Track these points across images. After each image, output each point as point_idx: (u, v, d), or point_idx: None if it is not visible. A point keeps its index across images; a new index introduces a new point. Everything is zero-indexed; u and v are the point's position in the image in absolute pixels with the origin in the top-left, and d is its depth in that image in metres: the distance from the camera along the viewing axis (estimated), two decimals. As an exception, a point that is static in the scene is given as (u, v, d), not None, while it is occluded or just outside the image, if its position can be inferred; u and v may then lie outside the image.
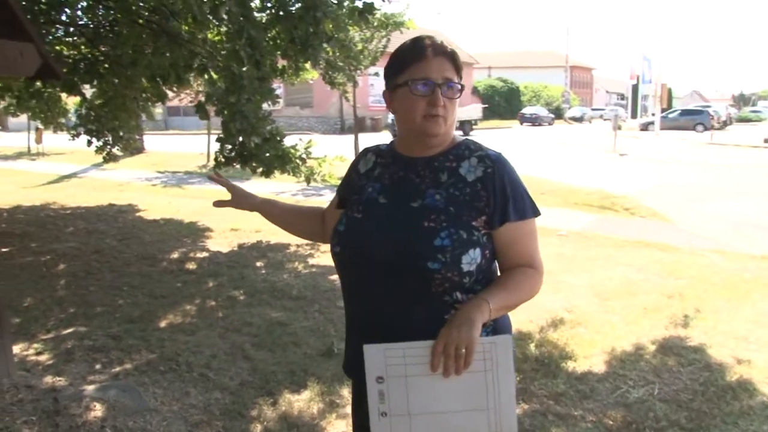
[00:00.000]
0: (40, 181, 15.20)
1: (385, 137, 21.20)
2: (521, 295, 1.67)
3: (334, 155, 7.84)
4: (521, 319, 5.01)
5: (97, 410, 3.55)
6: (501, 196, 1.63)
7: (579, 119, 51.61)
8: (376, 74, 15.24)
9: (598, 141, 25.91)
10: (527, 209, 1.67)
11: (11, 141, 25.89)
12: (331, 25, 5.62)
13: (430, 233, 1.58)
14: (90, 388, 3.82)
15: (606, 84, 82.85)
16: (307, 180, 7.72)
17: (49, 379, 3.97)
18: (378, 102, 31.45)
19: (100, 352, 4.45)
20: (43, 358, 4.39)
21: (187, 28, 6.40)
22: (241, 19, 5.53)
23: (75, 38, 8.97)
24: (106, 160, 10.53)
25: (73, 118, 10.75)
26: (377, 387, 1.54)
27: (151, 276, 6.54)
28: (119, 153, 10.81)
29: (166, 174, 16.36)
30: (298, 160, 7.43)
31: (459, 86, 1.68)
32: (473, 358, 1.48)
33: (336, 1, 6.32)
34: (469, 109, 35.09)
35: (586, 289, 5.92)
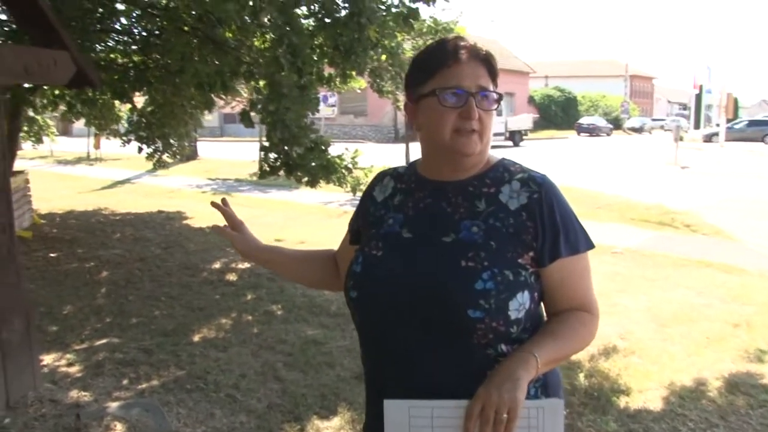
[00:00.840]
0: (95, 186, 15.48)
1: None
2: (574, 346, 1.43)
3: (381, 165, 7.63)
4: (570, 344, 4.70)
5: (117, 430, 3.42)
6: (551, 228, 1.38)
7: (638, 130, 50.27)
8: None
9: (658, 153, 25.07)
10: (580, 241, 1.42)
11: (73, 146, 26.62)
12: (375, 32, 5.42)
13: (469, 275, 1.31)
14: (113, 405, 3.70)
15: (667, 93, 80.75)
16: (353, 190, 7.55)
17: (74, 394, 3.87)
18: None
19: (129, 366, 4.34)
20: (72, 369, 4.31)
21: (231, 35, 6.30)
22: (283, 25, 5.39)
23: (127, 47, 9.06)
24: (155, 167, 10.63)
25: (125, 125, 10.86)
26: None
27: (191, 286, 6.45)
28: (169, 160, 10.90)
29: (216, 181, 16.47)
30: (343, 170, 7.26)
31: (495, 96, 1.42)
32: (516, 425, 1.21)
33: (384, 7, 6.14)
34: (519, 118, 34.46)
35: (643, 313, 5.54)
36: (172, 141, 10.50)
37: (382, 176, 1.60)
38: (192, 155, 21.74)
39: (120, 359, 4.46)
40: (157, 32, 7.89)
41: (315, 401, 3.84)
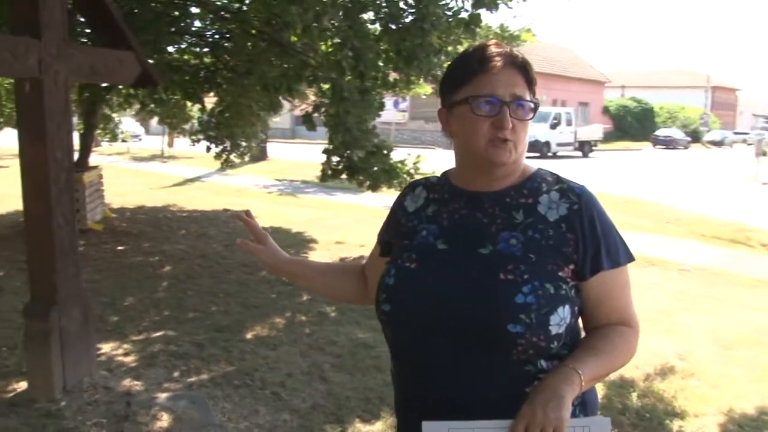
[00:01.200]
0: (166, 183, 15.96)
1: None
2: (615, 362, 1.39)
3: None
4: (625, 361, 4.55)
5: (164, 420, 3.50)
6: (592, 240, 1.34)
7: (718, 143, 48.33)
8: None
9: (739, 167, 24.05)
10: (620, 254, 1.38)
11: (149, 144, 27.58)
12: (438, 38, 5.40)
13: (509, 288, 1.27)
14: (162, 396, 3.80)
15: (752, 106, 77.32)
16: (416, 195, 7.53)
17: (127, 382, 3.99)
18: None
19: (181, 359, 4.44)
20: (128, 359, 4.44)
21: (297, 39, 6.40)
22: (347, 29, 5.43)
23: (199, 48, 9.33)
24: (223, 166, 10.88)
25: (196, 125, 11.16)
26: None
27: (248, 284, 6.56)
28: (236, 159, 11.14)
29: (283, 182, 16.72)
30: (405, 175, 7.26)
31: (532, 105, 1.37)
32: None
33: (450, 12, 6.11)
34: (590, 129, 33.62)
35: (706, 333, 5.31)
36: (240, 141, 10.73)
37: (413, 186, 1.56)
38: (262, 156, 22.16)
39: (173, 352, 4.58)
40: (226, 35, 8.10)
41: (359, 404, 3.84)
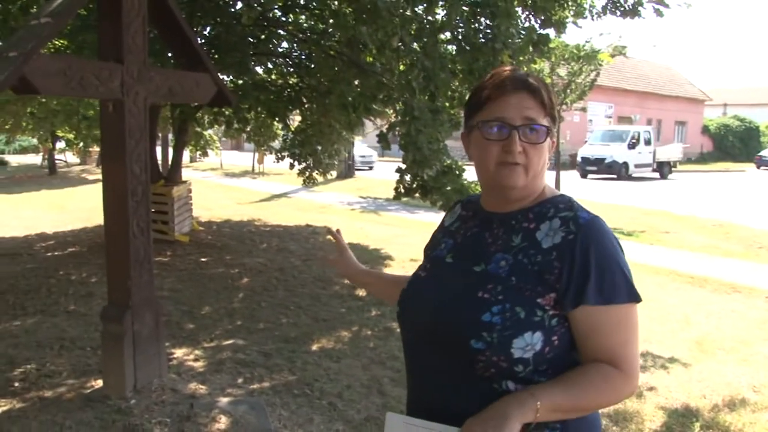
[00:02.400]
0: (254, 198, 16.54)
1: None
2: (589, 399, 1.32)
3: None
4: (693, 390, 4.40)
5: (222, 423, 3.67)
6: (580, 272, 1.31)
7: (830, 165, 45.35)
8: (584, 109, 14.62)
9: None
10: (618, 292, 1.32)
11: (242, 160, 28.64)
12: (509, 57, 5.44)
13: (479, 305, 1.33)
14: (224, 400, 3.98)
15: None
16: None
17: (192, 386, 4.20)
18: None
19: (246, 367, 4.63)
20: (197, 364, 4.67)
21: (371, 59, 6.58)
22: (418, 50, 5.55)
23: (285, 68, 9.71)
24: (305, 183, 11.20)
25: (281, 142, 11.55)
26: None
27: (320, 298, 6.73)
28: (319, 177, 11.44)
29: (367, 199, 16.98)
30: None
31: (544, 129, 1.39)
32: None
33: (524, 32, 6.13)
34: (669, 148, 31.65)
35: (785, 365, 5.05)
36: (322, 159, 11.04)
37: (456, 203, 1.66)
38: (348, 173, 22.62)
39: (240, 359, 4.78)
40: (309, 56, 8.40)
41: (411, 419, 3.88)
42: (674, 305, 6.61)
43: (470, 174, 7.07)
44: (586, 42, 10.36)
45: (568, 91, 12.55)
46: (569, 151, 30.54)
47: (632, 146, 26.15)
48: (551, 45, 6.47)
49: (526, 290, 1.33)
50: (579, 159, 25.46)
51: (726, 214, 13.76)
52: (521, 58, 5.76)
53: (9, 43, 3.68)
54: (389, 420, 1.37)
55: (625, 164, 25.70)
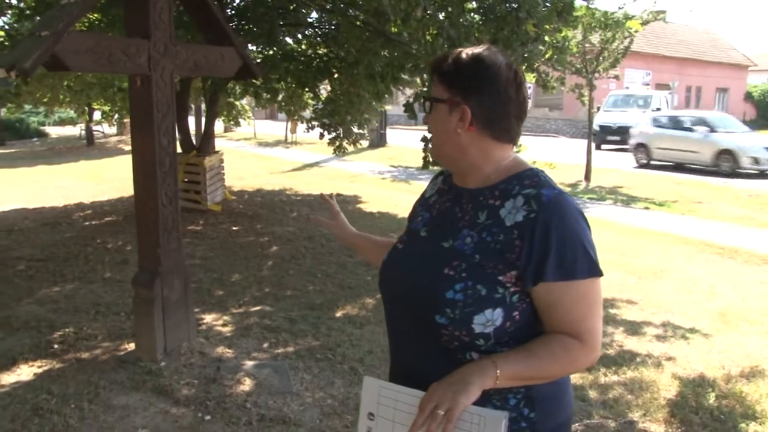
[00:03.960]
0: (286, 167, 16.72)
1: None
2: (547, 368, 1.38)
3: (564, 162, 7.57)
4: (712, 361, 4.44)
5: (246, 385, 3.84)
6: (539, 249, 1.34)
7: None
8: (616, 77, 14.33)
9: None
10: (578, 267, 1.35)
11: (275, 130, 28.82)
12: (533, 26, 5.42)
13: (444, 283, 1.38)
14: (249, 363, 4.15)
15: None
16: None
17: (220, 350, 4.38)
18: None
19: (272, 332, 4.80)
20: (225, 329, 4.85)
21: (396, 29, 6.60)
22: (443, 19, 5.57)
23: (314, 39, 9.76)
24: (335, 152, 11.30)
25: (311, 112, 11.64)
26: (367, 423, 1.45)
27: (346, 266, 6.87)
28: (348, 146, 11.52)
29: (398, 168, 17.02)
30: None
31: (430, 102, 1.51)
32: (455, 426, 1.28)
33: (549, 1, 6.08)
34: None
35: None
36: (352, 128, 11.11)
37: (438, 174, 1.70)
38: (380, 142, 22.64)
39: (266, 325, 4.95)
40: (337, 26, 8.44)
41: (429, 384, 4.01)
42: (701, 276, 6.58)
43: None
44: (619, 8, 10.18)
45: (601, 58, 12.34)
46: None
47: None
48: (577, 13, 6.38)
49: (488, 267, 1.37)
50: (597, 128, 20.92)
51: (764, 185, 13.52)
52: (546, 27, 5.72)
53: (41, 22, 3.83)
54: (366, 383, 1.47)
55: None
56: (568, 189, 12.58)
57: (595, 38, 12.20)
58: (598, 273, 1.38)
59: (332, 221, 2.00)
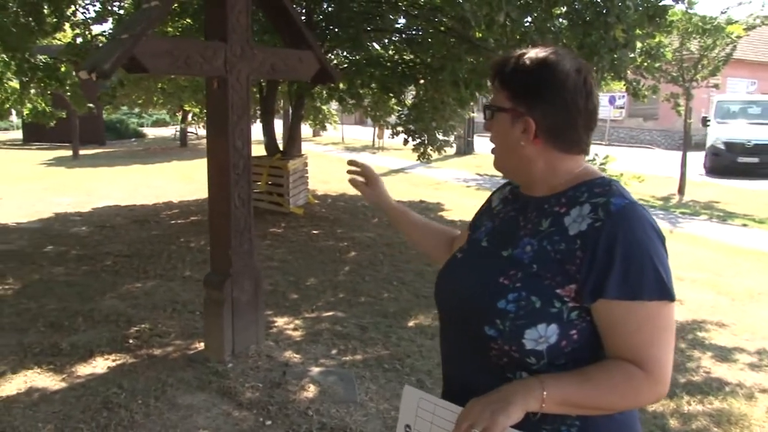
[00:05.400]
0: (371, 173, 16.75)
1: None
2: (605, 397, 1.23)
3: (652, 173, 7.24)
4: None
5: (310, 392, 3.79)
6: (602, 262, 1.22)
7: None
8: (716, 86, 13.59)
9: None
10: (645, 287, 1.21)
11: (363, 135, 29.07)
12: (622, 31, 5.15)
13: (497, 292, 1.29)
14: (316, 370, 4.11)
15: None
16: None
17: (288, 354, 4.37)
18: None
19: (342, 339, 4.75)
20: (295, 333, 4.85)
21: (480, 35, 6.47)
22: (526, 24, 5.40)
23: (399, 45, 9.74)
24: (420, 159, 11.22)
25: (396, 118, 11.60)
26: None
27: (424, 275, 6.76)
28: (433, 153, 11.42)
29: (483, 177, 16.76)
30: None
31: (491, 110, 1.39)
32: None
33: (642, 5, 5.79)
34: None
35: None
36: (437, 135, 11.00)
37: (506, 184, 1.61)
38: (467, 150, 22.41)
39: (337, 331, 4.90)
40: (419, 32, 8.38)
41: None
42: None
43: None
44: (722, 12, 9.60)
45: (699, 66, 11.71)
46: (704, 130, 28.66)
47: None
48: (672, 17, 6.04)
49: (546, 278, 1.27)
50: (720, 145, 16.32)
51: None
52: (637, 32, 5.43)
53: (122, 25, 3.93)
54: (406, 393, 1.40)
55: None
56: (659, 203, 12.02)
57: (694, 45, 11.61)
58: (669, 296, 1.23)
59: (368, 186, 1.91)
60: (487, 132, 1.43)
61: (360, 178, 1.92)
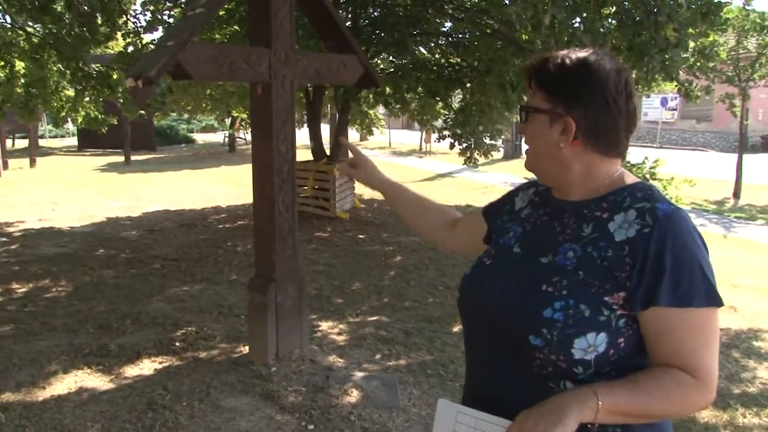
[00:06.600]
0: (418, 177, 16.76)
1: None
2: (660, 406, 1.20)
3: (683, 177, 7.04)
4: None
5: (353, 397, 3.78)
6: (653, 269, 1.19)
7: None
8: (768, 86, 13.13)
9: None
10: (695, 294, 1.19)
11: (410, 139, 29.09)
12: (673, 30, 4.99)
13: (542, 300, 1.25)
14: (359, 374, 4.09)
15: None
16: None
17: (331, 358, 4.36)
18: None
19: (386, 344, 4.72)
20: (339, 338, 4.84)
21: (527, 37, 6.38)
22: (573, 25, 5.30)
23: (446, 48, 9.70)
24: (466, 163, 11.14)
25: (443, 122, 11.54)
26: None
27: (468, 279, 6.70)
28: (479, 157, 11.33)
29: (531, 180, 16.61)
30: (642, 178, 6.86)
31: (526, 111, 1.36)
32: None
33: (684, 2, 5.62)
34: None
35: None
36: (483, 139, 10.90)
37: (528, 185, 1.57)
38: (515, 154, 22.20)
39: (381, 336, 4.88)
40: (465, 35, 8.32)
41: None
42: None
43: (634, 156, 6.74)
44: (762, 12, 9.30)
45: (757, 65, 11.33)
46: (762, 131, 27.71)
47: None
48: (727, 15, 5.84)
49: (594, 286, 1.23)
50: None
51: None
52: (689, 31, 5.26)
53: (168, 33, 4.00)
54: (440, 406, 1.33)
55: None
56: (712, 207, 11.67)
57: (751, 43, 11.25)
58: (717, 302, 1.21)
59: (354, 168, 1.87)
60: (522, 134, 1.40)
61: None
